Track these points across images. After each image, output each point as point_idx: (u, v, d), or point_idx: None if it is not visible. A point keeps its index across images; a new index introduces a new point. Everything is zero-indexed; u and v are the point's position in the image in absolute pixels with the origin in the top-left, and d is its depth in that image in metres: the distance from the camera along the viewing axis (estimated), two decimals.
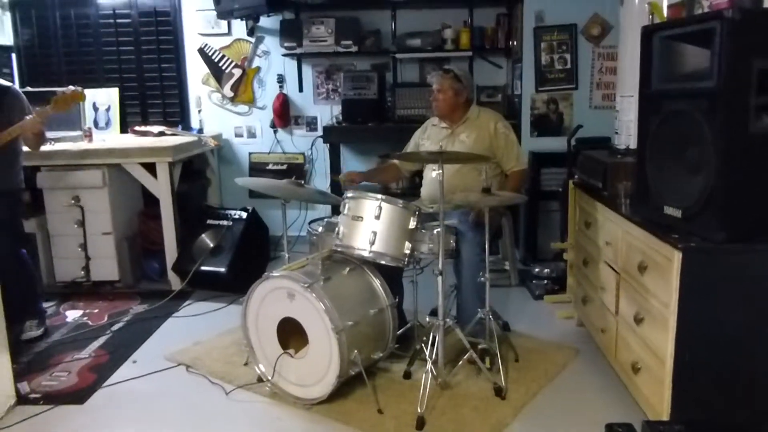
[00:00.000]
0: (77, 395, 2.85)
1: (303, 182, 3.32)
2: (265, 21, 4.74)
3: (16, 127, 3.08)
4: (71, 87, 3.17)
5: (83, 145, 4.14)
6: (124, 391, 2.89)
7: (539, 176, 4.30)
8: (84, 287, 4.15)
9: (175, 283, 4.17)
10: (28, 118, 3.11)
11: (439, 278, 2.61)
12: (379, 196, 2.68)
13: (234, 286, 3.94)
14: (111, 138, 4.59)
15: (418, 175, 3.58)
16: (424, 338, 2.78)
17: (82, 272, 4.13)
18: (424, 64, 4.81)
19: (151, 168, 4.06)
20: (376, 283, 2.78)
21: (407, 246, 2.66)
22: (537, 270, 3.98)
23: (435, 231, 2.66)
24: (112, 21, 4.93)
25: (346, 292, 2.67)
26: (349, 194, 2.72)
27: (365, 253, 2.65)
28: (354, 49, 4.59)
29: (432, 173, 3.10)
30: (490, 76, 4.83)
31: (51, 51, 4.89)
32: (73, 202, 4.03)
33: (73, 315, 3.83)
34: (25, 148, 3.37)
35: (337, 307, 2.51)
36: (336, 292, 2.59)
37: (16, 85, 3.45)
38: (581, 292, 3.23)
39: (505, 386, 2.66)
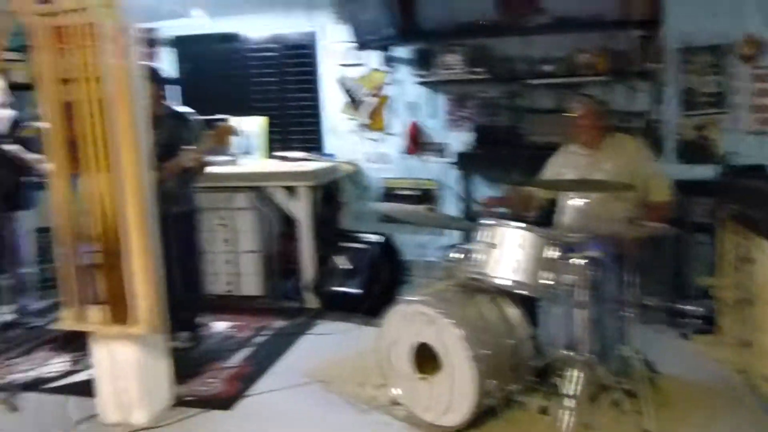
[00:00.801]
0: (225, 401, 3.06)
1: (436, 208, 3.36)
2: (399, 51, 4.89)
3: (183, 158, 3.39)
4: (225, 123, 3.45)
5: (234, 169, 4.48)
6: (265, 402, 3.06)
7: (685, 206, 4.04)
8: (231, 300, 4.46)
9: (311, 302, 4.36)
10: (186, 152, 3.40)
11: (580, 311, 2.53)
12: (518, 223, 2.66)
13: (366, 308, 4.05)
14: (256, 163, 4.93)
15: (553, 203, 3.50)
16: (562, 373, 2.69)
17: (230, 287, 4.44)
18: (557, 90, 4.72)
19: (292, 191, 4.31)
20: (514, 312, 2.75)
21: (546, 276, 2.61)
22: (684, 307, 3.72)
23: (575, 261, 2.59)
24: (260, 54, 5.31)
25: (483, 320, 2.66)
26: (487, 221, 2.72)
27: (503, 282, 2.64)
28: (485, 75, 4.60)
29: (571, 201, 3.02)
30: (628, 102, 4.63)
31: (207, 83, 5.35)
32: (223, 221, 4.37)
33: (221, 326, 4.11)
34: None
35: (475, 336, 2.51)
36: (473, 319, 2.60)
37: None
38: (741, 334, 2.96)
39: None
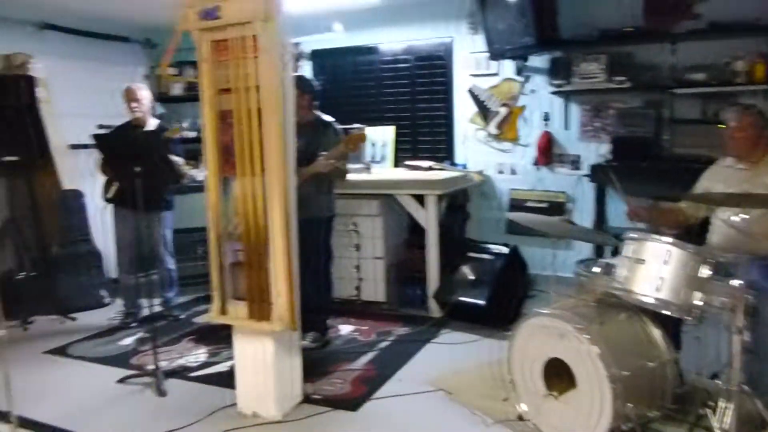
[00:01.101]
0: (351, 402, 3.13)
1: (572, 220, 3.24)
2: (533, 60, 4.79)
3: (317, 164, 3.54)
4: (359, 129, 3.55)
5: (364, 176, 4.61)
6: (390, 406, 3.10)
7: None
8: (355, 305, 4.58)
9: (434, 310, 4.36)
10: (320, 158, 3.54)
11: (737, 337, 2.32)
12: (668, 238, 2.49)
13: (491, 319, 4.00)
14: (385, 171, 5.04)
15: (703, 220, 3.25)
16: (709, 403, 2.49)
17: (355, 291, 4.56)
18: (706, 100, 4.40)
19: (420, 200, 4.35)
20: (656, 333, 2.58)
21: (697, 296, 2.42)
22: None
23: (731, 282, 2.38)
24: (392, 66, 5.44)
25: (622, 339, 2.53)
26: (633, 235, 2.58)
27: (648, 300, 2.48)
28: (627, 84, 4.39)
29: (726, 219, 2.79)
30: None
31: (341, 93, 5.55)
32: (352, 227, 4.50)
33: (346, 329, 4.23)
34: None
35: (613, 354, 2.39)
36: (611, 337, 2.47)
37: None
38: None
39: None
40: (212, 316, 2.93)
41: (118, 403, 3.23)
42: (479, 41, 4.89)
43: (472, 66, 5.07)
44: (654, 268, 2.46)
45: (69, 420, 2.98)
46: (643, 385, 2.47)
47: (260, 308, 2.76)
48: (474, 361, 3.54)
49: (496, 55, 4.74)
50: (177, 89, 6.09)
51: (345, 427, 2.92)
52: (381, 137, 5.32)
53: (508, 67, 4.94)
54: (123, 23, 5.72)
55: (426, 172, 4.78)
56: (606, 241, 3.19)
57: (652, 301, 2.47)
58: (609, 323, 2.53)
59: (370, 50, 5.50)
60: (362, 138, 3.59)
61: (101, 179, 4.37)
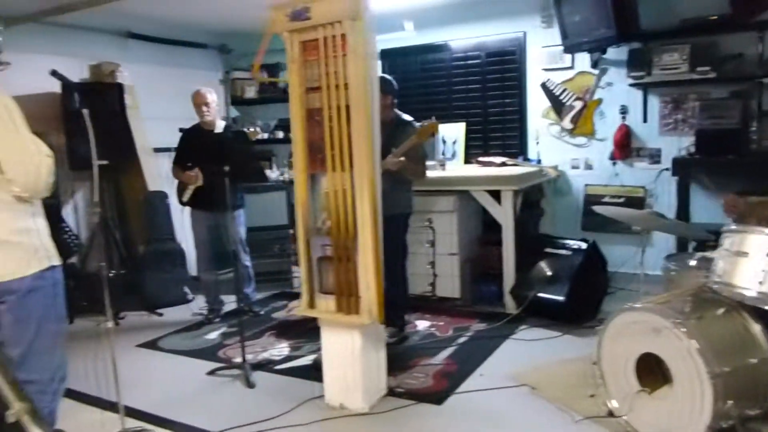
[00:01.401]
0: (435, 396, 3.15)
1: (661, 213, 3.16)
2: (610, 52, 4.69)
3: (386, 161, 3.56)
4: (430, 120, 3.55)
5: (438, 173, 4.62)
6: (474, 400, 3.10)
7: None
8: (430, 301, 4.60)
9: (511, 306, 4.34)
10: (389, 156, 3.57)
11: None
12: None
13: (570, 315, 3.95)
14: (457, 168, 5.04)
15: None
16: None
17: (430, 287, 4.59)
18: None
19: (495, 196, 4.34)
20: (756, 328, 2.48)
21: None
22: None
23: None
24: (462, 63, 5.44)
25: (721, 334, 2.45)
26: (732, 227, 2.50)
27: (750, 293, 2.40)
28: (711, 75, 4.24)
29: None
30: None
31: (411, 91, 5.59)
32: (427, 223, 4.53)
33: (422, 324, 4.26)
34: None
35: (712, 350, 2.32)
36: (710, 332, 2.40)
37: None
38: None
39: None
40: (301, 309, 3.02)
41: (210, 393, 3.36)
42: (553, 35, 4.83)
43: (545, 60, 5.02)
44: (757, 261, 2.37)
45: (166, 409, 3.13)
46: (743, 382, 2.38)
47: (348, 302, 2.82)
48: (556, 358, 3.51)
49: (571, 48, 4.67)
50: (250, 92, 6.28)
51: (431, 420, 2.94)
52: (452, 134, 5.33)
53: (582, 60, 4.86)
54: (201, 30, 5.95)
55: (499, 167, 4.76)
56: (698, 234, 3.09)
57: (754, 294, 2.38)
58: (706, 318, 2.46)
59: (440, 48, 5.52)
60: (434, 128, 3.59)
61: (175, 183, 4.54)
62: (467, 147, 5.33)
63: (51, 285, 2.17)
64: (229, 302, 4.72)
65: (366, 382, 3.00)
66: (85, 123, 2.56)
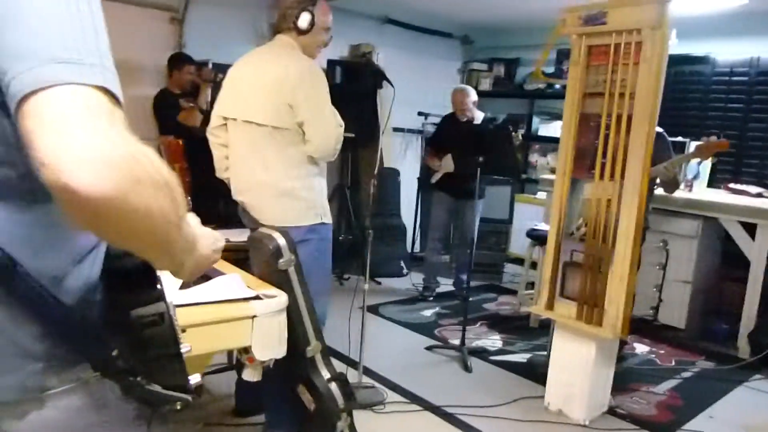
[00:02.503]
0: (658, 426, 3.01)
1: None
2: None
3: (657, 168, 3.40)
4: (715, 139, 3.32)
5: (684, 194, 4.33)
6: None
7: None
8: (650, 325, 4.36)
9: (745, 351, 3.95)
10: (661, 166, 3.40)
11: None
12: None
13: None
14: (702, 191, 4.67)
15: None
16: None
17: (651, 311, 4.34)
18: None
19: (747, 228, 3.96)
20: None
21: None
22: None
23: None
24: (726, 78, 4.99)
25: None
26: None
27: None
28: None
29: None
30: None
31: (664, 103, 5.24)
32: (661, 245, 4.28)
33: (640, 348, 4.06)
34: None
35: None
36: None
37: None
38: None
39: None
40: (539, 309, 3.05)
41: (430, 368, 3.55)
42: None
43: None
44: None
45: (392, 373, 3.37)
46: None
47: (592, 311, 2.79)
48: None
49: None
50: (485, 84, 6.38)
51: None
52: None
53: None
54: (448, 20, 6.16)
55: (754, 198, 4.32)
56: None
57: None
58: None
59: (701, 60, 5.10)
60: (723, 147, 3.36)
61: (418, 164, 4.79)
62: (714, 169, 4.91)
63: (319, 239, 2.40)
64: (444, 284, 4.91)
65: (591, 394, 2.95)
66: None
